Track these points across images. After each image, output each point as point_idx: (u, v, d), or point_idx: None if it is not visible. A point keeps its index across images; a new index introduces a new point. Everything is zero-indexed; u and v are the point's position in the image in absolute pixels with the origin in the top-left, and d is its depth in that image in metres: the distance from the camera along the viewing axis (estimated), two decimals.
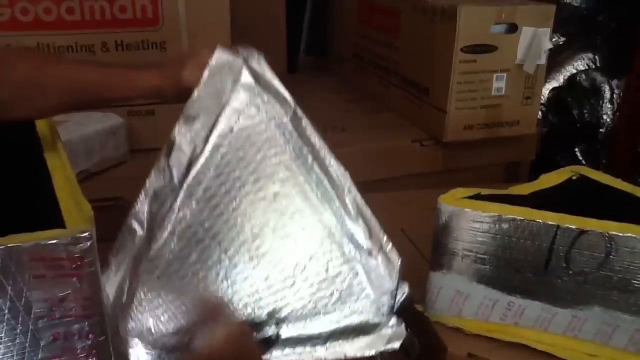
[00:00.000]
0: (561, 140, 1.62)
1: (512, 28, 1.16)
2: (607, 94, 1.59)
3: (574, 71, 1.63)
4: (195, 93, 0.68)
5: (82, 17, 1.10)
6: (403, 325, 0.66)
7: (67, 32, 1.10)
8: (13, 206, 0.53)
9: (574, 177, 0.83)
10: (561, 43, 1.68)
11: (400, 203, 1.13)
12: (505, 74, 1.18)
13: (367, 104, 1.45)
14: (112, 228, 0.70)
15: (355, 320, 0.66)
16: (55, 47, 1.10)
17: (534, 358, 0.73)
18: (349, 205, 0.68)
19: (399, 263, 0.67)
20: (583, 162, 1.60)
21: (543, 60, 1.19)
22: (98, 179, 1.07)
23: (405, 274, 0.74)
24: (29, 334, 0.43)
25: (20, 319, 0.42)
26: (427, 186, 1.21)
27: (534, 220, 0.69)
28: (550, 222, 0.68)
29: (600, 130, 1.59)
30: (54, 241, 0.41)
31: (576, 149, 1.62)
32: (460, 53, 1.14)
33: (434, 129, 1.22)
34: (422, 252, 0.94)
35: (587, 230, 0.67)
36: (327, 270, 0.67)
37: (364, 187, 1.22)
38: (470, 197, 0.74)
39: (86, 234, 0.42)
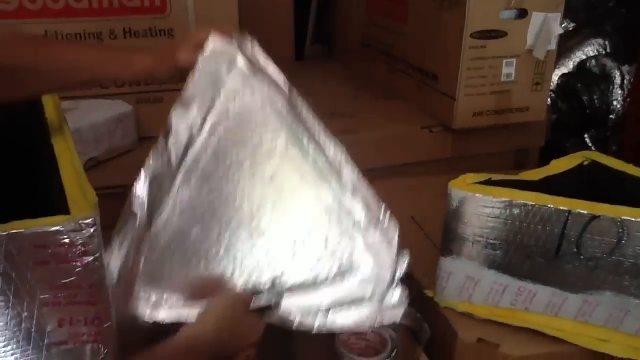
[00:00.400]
0: (570, 127, 1.61)
1: (522, 13, 1.15)
2: (617, 80, 1.58)
3: (584, 57, 1.62)
4: (191, 78, 0.70)
5: (90, 4, 1.10)
6: (405, 294, 0.66)
7: (74, 19, 1.10)
8: (18, 192, 0.53)
9: (585, 163, 0.82)
10: (570, 29, 1.67)
11: (410, 190, 1.13)
12: (514, 60, 1.17)
13: (375, 91, 1.44)
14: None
15: (356, 291, 0.66)
16: (63, 35, 1.10)
17: (545, 343, 0.73)
18: (346, 181, 0.69)
19: (398, 234, 0.67)
20: (593, 148, 1.59)
21: (553, 46, 1.17)
22: (106, 167, 1.07)
23: (415, 260, 0.74)
24: (34, 320, 0.42)
25: (25, 305, 0.42)
26: (436, 173, 1.21)
27: (545, 206, 0.69)
28: (561, 208, 0.68)
29: (610, 116, 1.58)
30: (57, 228, 0.41)
31: (585, 136, 1.61)
32: (470, 39, 1.13)
33: (443, 115, 1.21)
34: (432, 238, 0.94)
35: (599, 216, 0.67)
36: (326, 244, 0.67)
37: (373, 174, 1.22)
38: (480, 183, 0.74)
39: (89, 220, 0.41)
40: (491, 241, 0.72)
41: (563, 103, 1.62)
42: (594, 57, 1.60)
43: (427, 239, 0.94)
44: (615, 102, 1.57)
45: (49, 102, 0.68)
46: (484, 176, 0.75)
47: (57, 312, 0.43)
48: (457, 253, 0.74)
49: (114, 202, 0.67)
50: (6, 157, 0.63)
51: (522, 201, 0.69)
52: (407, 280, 0.67)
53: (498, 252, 0.72)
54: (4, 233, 0.39)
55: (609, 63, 1.58)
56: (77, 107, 1.07)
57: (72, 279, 0.42)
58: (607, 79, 1.58)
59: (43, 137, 0.61)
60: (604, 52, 1.61)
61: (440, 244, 0.81)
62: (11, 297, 0.41)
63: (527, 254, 0.71)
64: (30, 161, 0.61)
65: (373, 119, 1.27)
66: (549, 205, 0.68)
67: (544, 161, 1.36)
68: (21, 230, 0.40)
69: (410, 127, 1.22)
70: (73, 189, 0.47)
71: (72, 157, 0.53)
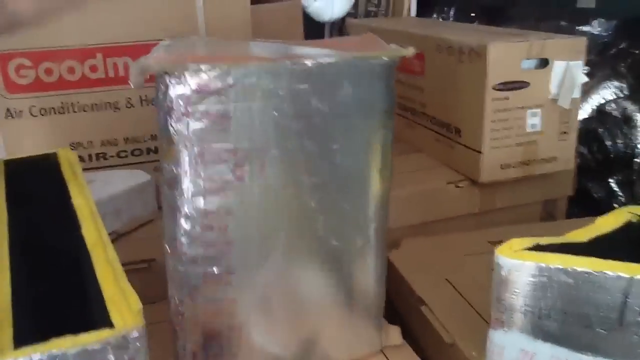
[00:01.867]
0: (594, 173, 1.57)
1: (543, 63, 1.13)
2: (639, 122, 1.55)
3: (602, 100, 1.60)
4: None
5: (106, 74, 1.09)
6: None
7: (91, 90, 1.09)
8: (50, 290, 0.49)
9: (634, 220, 0.78)
10: (585, 73, 1.65)
11: (440, 249, 1.08)
12: (539, 110, 1.15)
13: (395, 146, 1.41)
14: (144, 292, 0.66)
15: None
16: (80, 106, 1.09)
17: None
18: None
19: None
20: (619, 194, 1.55)
21: (577, 94, 1.15)
22: (128, 240, 1.03)
23: (461, 334, 0.69)
24: None
25: None
26: (464, 229, 1.18)
27: (603, 272, 0.64)
28: (621, 274, 0.64)
29: (635, 159, 1.54)
30: (102, 346, 0.37)
31: (610, 181, 1.57)
32: (492, 91, 1.10)
33: (469, 169, 1.18)
34: (472, 304, 0.89)
35: None
36: None
37: (400, 232, 1.18)
38: (529, 249, 0.70)
39: (136, 334, 0.38)
40: (545, 311, 0.67)
41: (585, 148, 1.59)
42: (614, 100, 1.58)
43: (469, 307, 0.89)
44: (639, 145, 1.54)
45: (74, 185, 0.65)
46: (530, 241, 0.71)
47: None
48: (509, 325, 0.69)
49: (137, 277, 0.64)
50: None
51: (577, 268, 0.65)
52: (453, 353, 0.63)
53: (554, 323, 0.67)
54: (45, 354, 0.35)
55: (629, 106, 1.56)
56: (95, 179, 1.05)
57: None
58: (629, 121, 1.55)
59: (72, 225, 0.58)
60: (622, 95, 1.58)
61: (483, 312, 0.77)
62: None
63: (585, 325, 0.66)
64: (58, 253, 0.57)
65: (396, 175, 1.23)
66: (607, 272, 0.64)
67: (572, 210, 1.33)
68: (63, 350, 0.35)
69: (436, 183, 1.19)
70: (112, 290, 0.43)
71: (106, 251, 0.50)
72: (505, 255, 0.69)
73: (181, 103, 0.61)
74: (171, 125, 0.62)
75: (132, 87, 0.61)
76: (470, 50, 1.13)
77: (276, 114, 0.65)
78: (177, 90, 0.61)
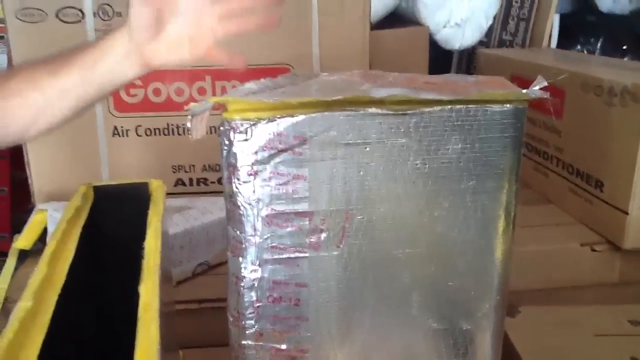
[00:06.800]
0: None
1: None
2: None
3: None
4: None
5: (214, 94, 1.06)
6: None
7: None
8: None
9: None
10: None
11: (565, 324, 0.92)
12: None
13: (521, 192, 1.25)
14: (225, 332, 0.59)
15: None
16: (186, 128, 1.06)
17: None
18: None
19: None
20: None
21: None
22: (216, 273, 0.98)
23: None
24: None
25: None
26: (597, 302, 1.00)
27: None
28: None
29: None
30: None
31: None
32: None
33: (611, 231, 1.00)
34: None
35: None
36: None
37: (521, 296, 1.02)
38: None
39: None
40: None
41: None
42: None
43: None
44: None
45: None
46: None
47: None
48: None
49: (222, 314, 0.58)
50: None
51: None
52: None
53: None
54: None
55: None
56: (193, 206, 1.01)
57: None
58: None
59: (133, 273, 0.51)
60: None
61: None
62: None
63: None
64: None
65: (519, 229, 1.08)
66: None
67: None
68: None
69: (567, 244, 1.02)
70: None
71: (150, 324, 0.43)
72: None
73: (247, 161, 0.53)
74: (236, 187, 0.54)
75: (192, 139, 0.54)
76: (624, 90, 0.96)
77: (362, 173, 0.55)
78: (243, 146, 0.53)
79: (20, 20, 0.98)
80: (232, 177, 0.53)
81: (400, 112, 0.53)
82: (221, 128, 0.53)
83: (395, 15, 1.50)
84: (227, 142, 0.53)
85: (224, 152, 0.53)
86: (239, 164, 0.52)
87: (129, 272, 0.53)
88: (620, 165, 0.97)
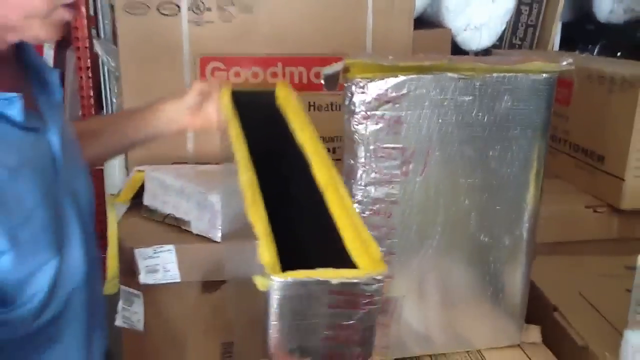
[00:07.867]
0: None
1: None
2: None
3: None
4: None
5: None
6: None
7: None
8: (295, 231, 0.57)
9: None
10: None
11: (575, 268, 1.12)
12: None
13: None
14: None
15: None
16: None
17: None
18: None
19: None
20: None
21: None
22: None
23: (593, 338, 0.75)
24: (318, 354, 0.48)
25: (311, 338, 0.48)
26: (600, 253, 1.20)
27: None
28: None
29: None
30: (355, 281, 0.46)
31: None
32: None
33: (610, 196, 1.21)
34: (604, 314, 0.93)
35: None
36: None
37: (537, 249, 1.22)
38: None
39: (380, 277, 0.47)
40: None
41: None
42: None
43: (601, 316, 0.94)
44: None
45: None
46: None
47: (333, 348, 0.48)
48: None
49: None
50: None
51: None
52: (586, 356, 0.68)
53: None
54: (312, 279, 0.45)
55: None
56: None
57: (352, 322, 0.48)
58: None
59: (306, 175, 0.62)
60: None
61: (615, 322, 0.81)
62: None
63: None
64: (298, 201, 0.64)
65: None
66: None
67: None
68: (327, 279, 0.45)
69: (574, 206, 1.23)
70: (352, 237, 0.52)
71: (338, 192, 0.57)
72: None
73: (363, 108, 0.74)
74: (353, 126, 0.75)
75: (325, 90, 0.74)
76: (623, 79, 1.17)
77: (440, 121, 0.76)
78: (360, 97, 0.74)
79: (128, 12, 1.18)
80: (351, 120, 0.74)
81: (468, 77, 0.75)
82: (346, 84, 0.74)
83: (422, 19, 1.71)
84: (349, 94, 0.73)
85: (347, 101, 0.74)
86: (356, 110, 0.73)
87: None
88: (618, 141, 1.18)
